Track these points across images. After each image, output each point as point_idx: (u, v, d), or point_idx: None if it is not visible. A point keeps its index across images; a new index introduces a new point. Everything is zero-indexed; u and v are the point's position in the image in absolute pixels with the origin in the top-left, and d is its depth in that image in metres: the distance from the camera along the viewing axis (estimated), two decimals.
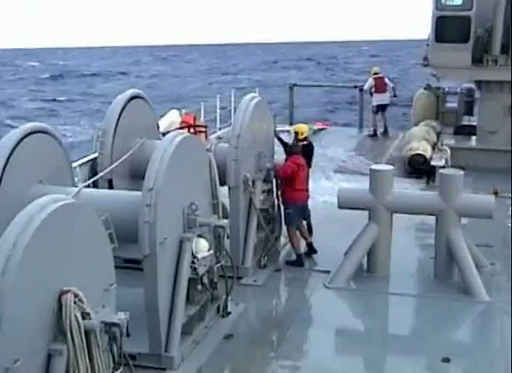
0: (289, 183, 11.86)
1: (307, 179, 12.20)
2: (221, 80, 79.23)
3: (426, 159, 17.67)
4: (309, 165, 12.74)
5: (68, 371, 5.87)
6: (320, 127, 24.70)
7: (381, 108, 22.55)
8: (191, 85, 76.92)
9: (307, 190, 12.21)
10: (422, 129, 20.04)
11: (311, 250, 12.29)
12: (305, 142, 13.07)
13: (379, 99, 22.44)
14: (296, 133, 13.21)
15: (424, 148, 18.02)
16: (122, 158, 9.95)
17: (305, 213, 12.31)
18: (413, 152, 17.94)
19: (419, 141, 18.53)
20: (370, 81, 22.46)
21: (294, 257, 11.94)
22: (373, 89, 22.44)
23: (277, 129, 13.39)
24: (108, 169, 9.85)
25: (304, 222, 12.46)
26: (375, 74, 22.53)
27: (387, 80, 22.90)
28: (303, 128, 13.39)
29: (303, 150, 12.51)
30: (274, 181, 12.19)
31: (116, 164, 9.88)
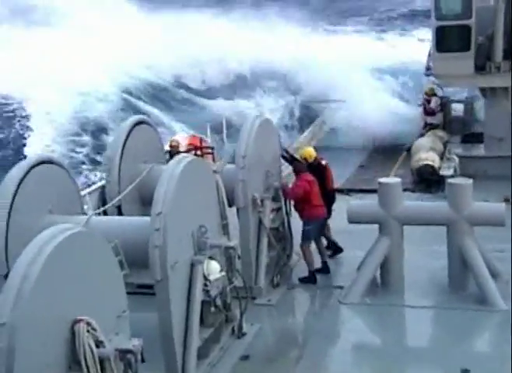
0: (306, 200, 11.79)
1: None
2: None
3: (434, 169, 17.61)
4: (324, 186, 12.55)
5: None
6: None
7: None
8: None
9: (324, 205, 12.12)
10: (429, 139, 19.96)
11: (325, 270, 12.14)
12: (323, 162, 12.90)
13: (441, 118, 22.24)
14: (305, 158, 12.81)
15: (432, 158, 17.96)
16: (130, 187, 10.01)
17: (323, 228, 12.25)
18: (421, 163, 17.87)
19: (426, 151, 18.45)
20: (437, 101, 22.05)
21: (306, 274, 11.88)
22: (438, 108, 22.10)
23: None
24: (117, 199, 9.91)
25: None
26: (434, 94, 22.21)
27: None
28: (310, 151, 13.02)
29: (315, 172, 12.43)
30: (283, 199, 12.16)
31: (125, 192, 9.92)
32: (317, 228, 11.97)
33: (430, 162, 17.79)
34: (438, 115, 21.79)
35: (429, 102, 21.85)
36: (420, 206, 11.63)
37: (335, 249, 12.87)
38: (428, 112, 21.94)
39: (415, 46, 31.78)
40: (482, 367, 8.82)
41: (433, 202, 11.62)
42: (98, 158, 25.91)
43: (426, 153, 18.24)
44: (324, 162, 12.87)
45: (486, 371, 8.81)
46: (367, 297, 11.04)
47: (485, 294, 10.52)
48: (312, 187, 11.79)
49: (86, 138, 27.93)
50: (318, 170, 12.63)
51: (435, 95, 21.85)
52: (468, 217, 10.77)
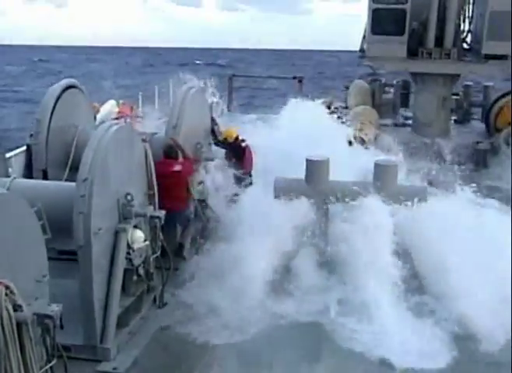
0: (167, 190, 10.31)
1: (187, 187, 11.09)
2: None
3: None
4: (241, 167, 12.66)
5: None
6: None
7: None
8: None
9: (186, 199, 11.17)
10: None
11: (180, 254, 11.20)
12: (243, 144, 12.93)
13: None
14: (225, 138, 12.86)
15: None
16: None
17: (180, 221, 11.22)
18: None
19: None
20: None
21: None
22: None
23: None
24: None
25: None
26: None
27: None
28: (232, 132, 13.06)
29: (235, 152, 12.70)
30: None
31: None
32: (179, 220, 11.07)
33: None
34: None
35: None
36: (345, 184, 11.74)
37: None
38: None
39: None
40: None
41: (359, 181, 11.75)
42: None
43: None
44: (243, 144, 12.94)
45: None
46: None
47: None
48: (179, 180, 10.82)
49: None
50: (237, 151, 12.85)
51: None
52: (391, 197, 11.01)
